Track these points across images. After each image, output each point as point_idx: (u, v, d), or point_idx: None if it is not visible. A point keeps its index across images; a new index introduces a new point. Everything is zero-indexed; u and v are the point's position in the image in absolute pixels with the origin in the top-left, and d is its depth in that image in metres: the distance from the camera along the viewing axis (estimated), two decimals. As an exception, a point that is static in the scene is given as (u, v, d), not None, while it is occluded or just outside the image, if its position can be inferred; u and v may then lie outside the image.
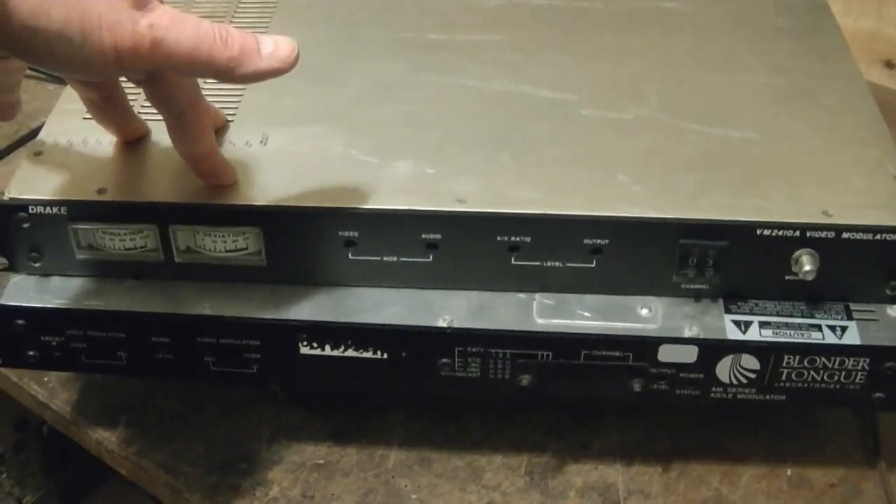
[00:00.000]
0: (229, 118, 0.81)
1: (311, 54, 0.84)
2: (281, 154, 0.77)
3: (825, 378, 0.75)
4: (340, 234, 0.74)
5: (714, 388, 0.75)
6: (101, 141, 0.79)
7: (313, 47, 0.88)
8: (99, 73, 0.63)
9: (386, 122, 0.81)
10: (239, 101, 0.82)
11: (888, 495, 0.80)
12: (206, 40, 0.62)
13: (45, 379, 0.89)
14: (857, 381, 0.75)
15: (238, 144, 0.78)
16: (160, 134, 0.78)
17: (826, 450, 0.84)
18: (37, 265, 0.78)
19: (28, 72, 1.12)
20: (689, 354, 0.74)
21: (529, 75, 0.85)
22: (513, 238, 0.74)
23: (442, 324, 0.74)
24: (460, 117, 0.81)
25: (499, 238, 0.74)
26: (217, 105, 0.81)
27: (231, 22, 0.92)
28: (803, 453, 0.83)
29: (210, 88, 0.81)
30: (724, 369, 0.74)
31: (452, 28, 0.91)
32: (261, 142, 0.78)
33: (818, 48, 0.90)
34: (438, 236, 0.74)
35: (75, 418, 0.86)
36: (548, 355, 0.74)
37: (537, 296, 0.76)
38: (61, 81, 1.08)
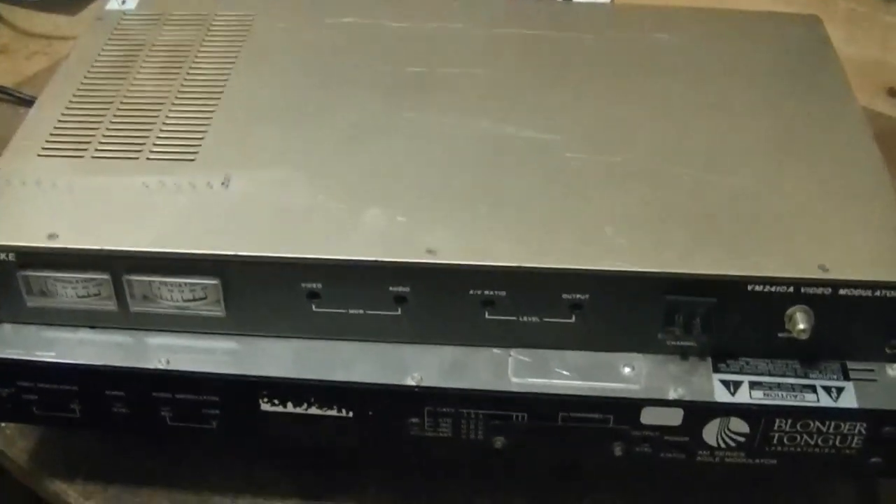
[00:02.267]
0: (190, 157, 0.76)
1: (280, 87, 0.81)
2: (243, 198, 0.73)
3: (819, 442, 0.70)
4: (303, 285, 0.70)
5: (700, 452, 0.71)
6: (56, 182, 0.74)
7: (283, 78, 0.85)
8: None
9: (357, 164, 0.76)
10: (202, 139, 0.78)
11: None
12: None
13: (3, 426, 0.84)
14: (853, 445, 0.71)
15: (198, 186, 0.74)
16: (116, 175, 0.74)
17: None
18: (-14, 311, 0.73)
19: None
20: (675, 417, 0.69)
21: (513, 114, 0.81)
22: (487, 292, 0.69)
23: (411, 382, 0.70)
24: (437, 160, 0.77)
25: (472, 292, 0.69)
26: (178, 141, 0.77)
27: (199, 52, 0.87)
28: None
29: (172, 124, 0.77)
30: (711, 432, 0.70)
31: (433, 61, 0.87)
32: (222, 184, 0.74)
33: (819, 89, 0.86)
34: (407, 289, 0.70)
35: (32, 468, 0.83)
36: (523, 416, 0.70)
37: (513, 352, 0.72)
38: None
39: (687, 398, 0.70)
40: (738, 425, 0.70)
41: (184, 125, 0.79)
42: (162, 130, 0.79)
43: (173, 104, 0.82)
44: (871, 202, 0.74)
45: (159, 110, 0.81)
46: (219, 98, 0.82)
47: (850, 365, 0.72)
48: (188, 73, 0.85)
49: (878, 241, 0.71)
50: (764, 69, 0.88)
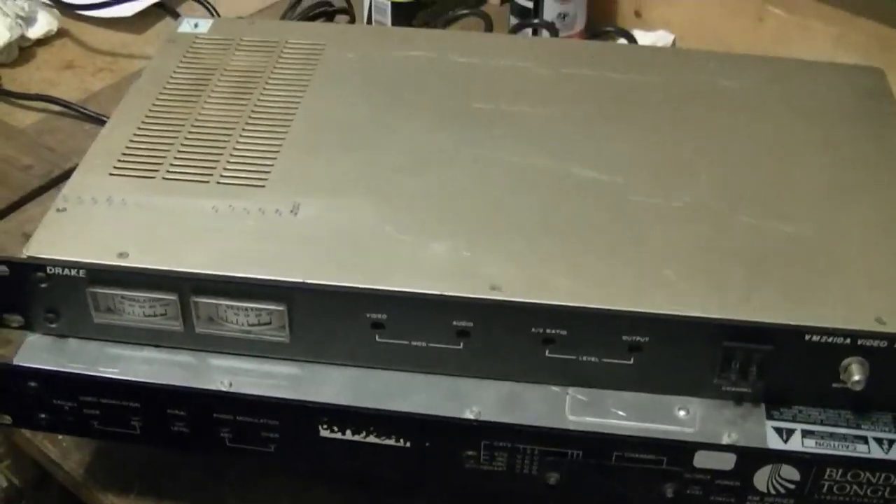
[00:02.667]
0: (260, 183, 0.77)
1: (349, 115, 0.82)
2: (311, 226, 0.75)
3: (868, 493, 0.71)
4: (368, 315, 0.71)
5: (750, 497, 0.72)
6: (126, 201, 0.76)
7: (352, 109, 0.86)
8: None
9: (423, 196, 0.78)
10: (272, 166, 0.79)
11: None
12: None
13: (59, 438, 0.86)
14: (901, 497, 0.71)
15: (267, 212, 0.75)
16: (186, 197, 0.76)
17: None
18: (53, 325, 0.75)
19: (64, 110, 1.12)
20: (727, 462, 0.70)
21: (576, 153, 0.82)
22: (548, 330, 0.70)
23: (469, 415, 0.71)
24: (501, 196, 0.78)
25: (533, 329, 0.70)
26: (248, 166, 0.79)
27: (270, 78, 0.88)
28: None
29: (242, 149, 0.79)
30: (762, 478, 0.70)
31: (499, 97, 0.88)
32: (291, 211, 0.75)
33: (880, 136, 0.86)
34: (470, 324, 0.71)
35: (86, 481, 0.84)
36: (578, 454, 0.70)
37: (570, 390, 0.73)
38: (98, 122, 1.06)
39: (740, 443, 0.70)
40: (790, 472, 0.70)
41: (254, 150, 0.81)
42: (232, 155, 0.80)
43: (244, 129, 0.83)
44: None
45: (230, 135, 0.83)
46: (289, 125, 0.84)
47: (903, 418, 0.72)
48: (259, 99, 0.86)
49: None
50: (825, 117, 0.88)
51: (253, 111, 0.85)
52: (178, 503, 0.82)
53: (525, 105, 0.88)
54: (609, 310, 0.69)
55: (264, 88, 0.88)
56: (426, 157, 0.82)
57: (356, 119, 0.85)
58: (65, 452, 0.86)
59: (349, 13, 1.24)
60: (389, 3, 1.24)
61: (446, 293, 0.70)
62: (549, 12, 1.22)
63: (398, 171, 0.80)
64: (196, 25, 0.95)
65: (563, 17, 1.23)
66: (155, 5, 1.30)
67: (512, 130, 0.85)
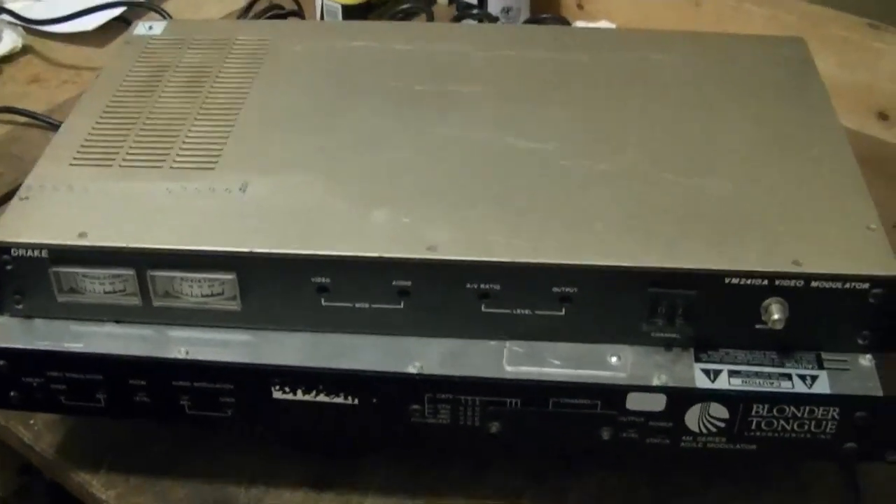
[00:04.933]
0: (210, 165, 0.81)
1: (295, 101, 0.86)
2: (259, 201, 0.79)
3: (795, 428, 0.74)
4: (313, 280, 0.75)
5: (684, 437, 0.75)
6: (85, 187, 0.80)
7: (299, 97, 0.90)
8: None
9: (368, 171, 0.82)
10: (222, 150, 0.83)
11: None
12: None
13: (31, 422, 0.89)
14: (827, 431, 0.75)
15: (218, 191, 0.79)
16: (142, 181, 0.80)
17: (808, 499, 0.83)
18: (20, 307, 0.79)
19: (30, 120, 1.16)
20: (658, 403, 0.74)
21: (513, 126, 0.86)
22: (482, 286, 0.74)
23: (412, 370, 0.75)
24: (441, 167, 0.82)
25: (468, 285, 0.74)
26: (200, 151, 0.83)
27: (220, 72, 0.93)
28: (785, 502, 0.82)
29: (194, 136, 0.83)
30: (693, 418, 0.74)
31: (439, 80, 0.93)
32: (240, 189, 0.79)
33: (801, 102, 0.91)
34: (409, 283, 0.75)
35: (59, 461, 0.87)
36: (517, 402, 0.74)
37: (508, 343, 0.76)
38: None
39: (669, 384, 0.74)
40: (719, 411, 0.74)
41: (205, 137, 0.85)
42: (185, 142, 0.84)
43: (196, 119, 0.87)
44: (846, 202, 0.79)
45: (183, 124, 0.87)
46: (238, 112, 0.88)
47: (824, 355, 0.76)
48: (210, 91, 0.91)
49: (850, 237, 0.76)
50: (749, 84, 0.93)
51: (204, 103, 0.89)
52: (147, 477, 0.86)
53: (464, 85, 0.92)
54: (538, 263, 0.73)
55: (214, 82, 0.92)
56: (371, 136, 0.86)
57: (303, 106, 0.89)
58: (37, 435, 0.89)
59: (300, 16, 1.28)
60: (340, 6, 1.28)
61: (384, 255, 0.74)
62: (494, 7, 1.26)
63: (343, 150, 0.84)
64: (150, 28, 1.00)
65: (507, 12, 1.27)
66: (115, 19, 1.35)
67: (452, 109, 0.89)
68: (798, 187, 0.81)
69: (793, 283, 0.73)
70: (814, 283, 0.73)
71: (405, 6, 1.24)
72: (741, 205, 0.79)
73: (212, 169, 0.82)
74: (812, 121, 0.88)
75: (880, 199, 1.02)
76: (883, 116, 1.11)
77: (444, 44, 0.98)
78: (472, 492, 0.84)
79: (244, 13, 1.26)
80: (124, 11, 1.36)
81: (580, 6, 1.35)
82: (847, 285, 0.73)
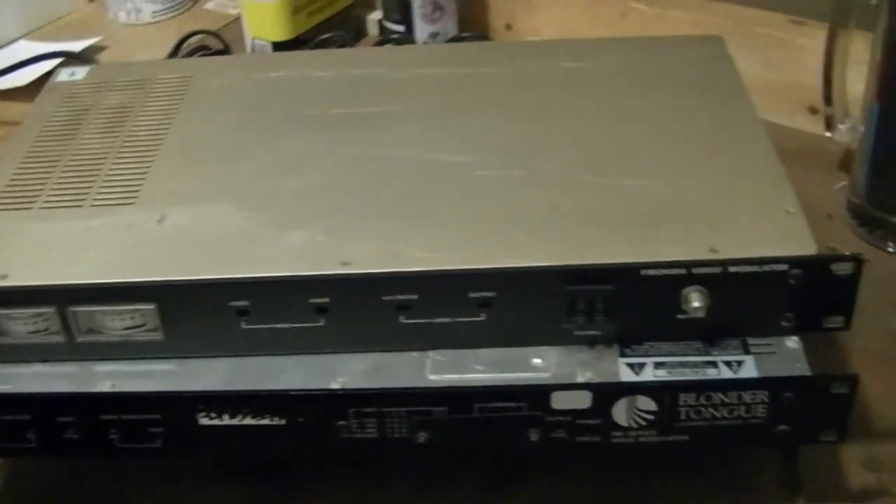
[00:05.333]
0: (130, 201, 0.82)
1: (215, 134, 0.87)
2: (177, 232, 0.79)
3: (726, 414, 0.74)
4: (231, 304, 0.75)
5: (614, 433, 0.75)
6: (5, 230, 0.80)
7: (218, 129, 0.91)
8: None
9: (284, 195, 0.82)
10: (141, 186, 0.84)
11: (809, 534, 0.78)
12: None
13: (-31, 473, 0.89)
14: (758, 415, 0.74)
15: (136, 225, 0.79)
16: (61, 221, 0.81)
17: (750, 491, 0.82)
18: (-53, 354, 0.78)
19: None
20: (583, 400, 0.73)
21: (429, 142, 0.87)
22: (399, 297, 0.74)
23: (335, 386, 0.74)
24: (358, 186, 0.83)
25: (385, 298, 0.74)
26: (119, 189, 0.83)
27: (141, 110, 0.93)
28: (727, 497, 0.82)
29: (113, 174, 0.85)
30: (620, 413, 0.74)
31: (356, 102, 0.93)
32: (158, 221, 0.79)
33: (719, 97, 0.91)
34: (326, 300, 0.74)
35: (-2, 504, 0.86)
36: (443, 411, 0.74)
37: (431, 353, 0.76)
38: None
39: (593, 381, 0.74)
40: (646, 403, 0.73)
41: (124, 175, 0.85)
42: (105, 181, 0.85)
43: (116, 157, 0.88)
44: (764, 189, 0.79)
45: (102, 163, 0.87)
46: (158, 149, 0.88)
47: (750, 341, 0.76)
48: (130, 130, 0.91)
49: (767, 222, 0.76)
50: (668, 84, 0.93)
51: (125, 141, 0.90)
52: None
53: (381, 106, 0.92)
54: (453, 270, 0.73)
55: (135, 120, 0.93)
56: (287, 161, 0.86)
57: (221, 138, 0.90)
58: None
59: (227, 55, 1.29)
60: (269, 44, 1.28)
61: (300, 273, 0.74)
62: (421, 33, 1.27)
63: (260, 177, 0.84)
64: (73, 74, 1.00)
65: (435, 37, 1.28)
66: (48, 73, 1.35)
67: (369, 129, 0.90)
68: (716, 179, 0.81)
69: (710, 270, 0.73)
70: (732, 269, 0.73)
71: (333, 39, 1.24)
72: (658, 200, 0.79)
73: (131, 204, 0.82)
74: (730, 114, 0.89)
75: (815, 190, 1.04)
76: (813, 111, 1.11)
77: (362, 68, 0.99)
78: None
79: (171, 56, 1.26)
80: (59, 64, 1.36)
81: (508, 27, 1.35)
82: (765, 268, 0.73)
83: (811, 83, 1.04)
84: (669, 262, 0.73)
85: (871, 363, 0.91)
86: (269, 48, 1.29)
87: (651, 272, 0.73)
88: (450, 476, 0.84)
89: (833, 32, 0.99)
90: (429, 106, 0.92)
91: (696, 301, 0.73)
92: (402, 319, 0.75)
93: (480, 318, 0.75)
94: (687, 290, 0.73)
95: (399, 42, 1.29)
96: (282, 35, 1.27)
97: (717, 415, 0.74)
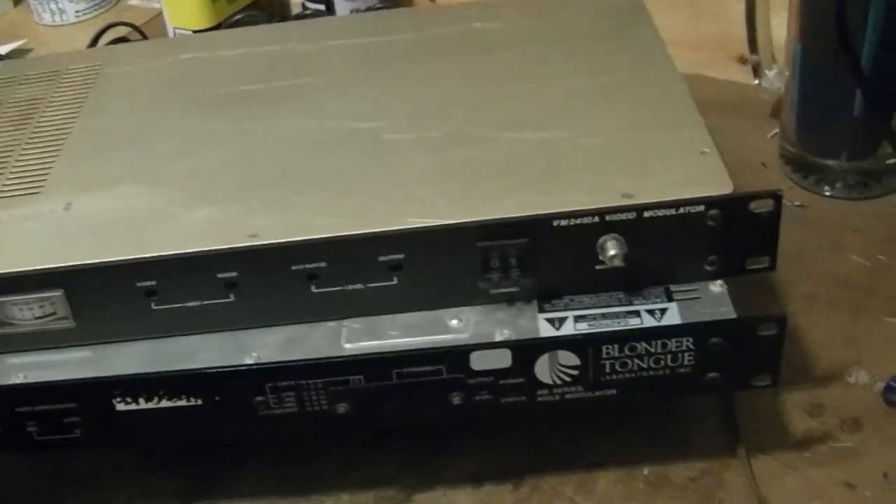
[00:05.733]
0: (36, 191, 0.80)
1: (124, 119, 0.85)
2: (84, 218, 0.77)
3: (652, 365, 0.72)
4: (139, 285, 0.73)
5: (539, 392, 0.73)
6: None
7: (127, 115, 0.89)
8: None
9: (195, 174, 0.80)
10: (47, 175, 0.82)
11: (750, 480, 0.77)
12: None
13: None
14: (686, 363, 0.72)
15: (42, 213, 0.78)
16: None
17: (687, 444, 0.81)
18: None
19: None
20: (503, 359, 0.71)
21: (339, 112, 0.85)
22: (308, 265, 0.72)
23: (249, 361, 0.73)
24: (266, 160, 0.81)
25: (294, 267, 0.72)
26: (26, 179, 0.81)
27: (50, 102, 0.91)
28: (663, 451, 0.80)
29: (21, 166, 0.83)
30: (543, 370, 0.72)
31: (267, 78, 0.91)
32: (64, 208, 0.78)
33: (633, 47, 0.90)
34: (235, 274, 0.73)
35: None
36: (360, 379, 0.72)
37: (346, 322, 0.74)
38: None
39: (512, 338, 0.72)
40: (568, 358, 0.72)
41: (31, 165, 0.84)
42: (11, 173, 0.83)
43: (23, 149, 0.86)
44: (679, 133, 0.78)
45: (10, 156, 0.85)
46: (65, 139, 0.87)
47: (673, 287, 0.74)
48: (39, 121, 0.89)
49: (682, 164, 0.74)
50: (580, 38, 0.92)
51: (32, 133, 0.88)
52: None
53: (291, 80, 0.91)
54: (358, 234, 0.72)
55: (43, 112, 0.91)
56: (199, 140, 0.84)
57: (129, 122, 0.88)
58: None
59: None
60: (191, 33, 1.27)
61: (205, 248, 0.72)
62: (342, 10, 1.25)
63: (171, 158, 0.83)
64: (-17, 71, 0.99)
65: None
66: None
67: (279, 103, 0.88)
68: (630, 127, 0.79)
69: (624, 216, 0.71)
70: (647, 214, 0.71)
71: (246, 19, 1.22)
72: (570, 150, 0.77)
73: (37, 194, 0.80)
74: (644, 64, 0.87)
75: (749, 140, 1.03)
76: (743, 60, 1.09)
77: (273, 44, 0.97)
78: (345, 485, 0.81)
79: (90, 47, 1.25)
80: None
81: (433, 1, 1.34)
82: (682, 210, 0.71)
83: (738, 33, 1.03)
84: (581, 210, 0.71)
85: (812, 307, 0.90)
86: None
87: (563, 222, 0.71)
88: (378, 449, 0.83)
89: (752, -24, 0.98)
90: (339, 76, 0.91)
91: (612, 249, 0.71)
92: (314, 289, 0.74)
93: (393, 283, 0.74)
94: (603, 238, 0.72)
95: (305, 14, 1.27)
96: (203, 23, 1.26)
97: (644, 366, 0.72)
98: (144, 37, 1.26)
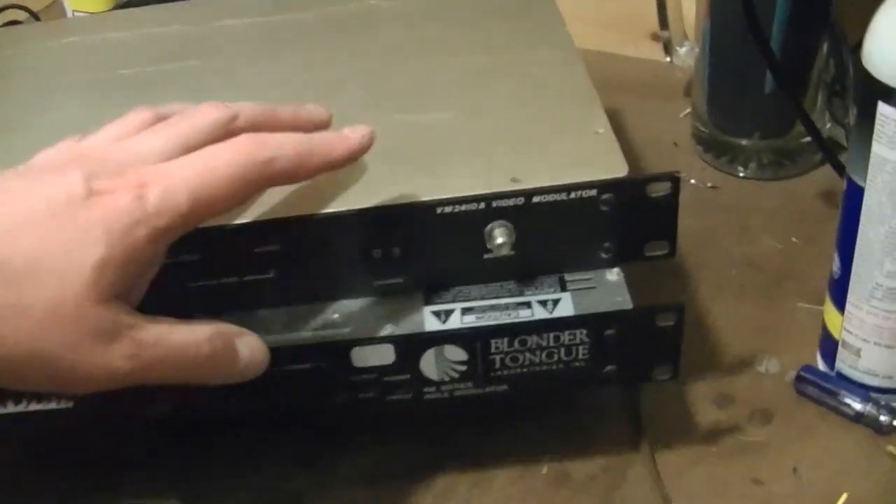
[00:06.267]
0: None
1: (2, 106, 0.82)
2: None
3: (545, 359, 0.69)
4: None
5: (426, 389, 0.70)
6: None
7: (5, 98, 0.86)
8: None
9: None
10: None
11: (654, 477, 0.73)
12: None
13: None
14: (580, 357, 0.69)
15: None
16: None
17: (589, 438, 0.77)
18: None
19: None
20: (387, 355, 0.68)
21: (224, 96, 0.80)
22: (179, 257, 0.68)
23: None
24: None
25: (167, 260, 0.67)
26: None
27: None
28: (564, 445, 0.76)
29: None
30: (429, 366, 0.69)
31: (149, 61, 0.87)
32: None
33: (531, 26, 0.86)
34: None
35: None
36: (238, 378, 0.68)
37: (223, 317, 0.69)
38: None
39: (395, 333, 0.68)
40: (455, 353, 0.68)
41: None
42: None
43: None
44: (573, 113, 0.75)
45: None
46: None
47: (567, 276, 0.71)
48: None
49: (575, 146, 0.71)
50: (477, 16, 0.89)
51: None
52: None
53: (177, 62, 0.87)
54: (234, 224, 0.67)
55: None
56: (64, 129, 0.79)
57: (6, 107, 0.85)
58: None
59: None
60: (88, 15, 1.22)
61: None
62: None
63: (34, 148, 0.78)
64: None
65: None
66: None
67: (163, 87, 0.84)
68: (521, 107, 0.76)
69: (512, 202, 0.67)
70: (536, 199, 0.67)
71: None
72: (457, 133, 0.74)
73: None
74: (541, 43, 0.84)
75: (662, 120, 1.00)
76: (656, 37, 1.06)
77: (161, 26, 0.93)
78: (235, 490, 0.77)
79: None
80: None
81: None
82: (573, 195, 0.67)
83: (652, 10, 0.99)
84: (466, 196, 0.67)
85: (722, 293, 0.87)
86: (96, 16, 1.22)
87: (447, 209, 0.67)
88: (266, 451, 0.78)
89: (662, -52, 0.94)
90: (225, 59, 0.87)
91: (500, 237, 0.67)
92: (189, 283, 0.69)
93: (269, 275, 0.70)
94: (490, 226, 0.68)
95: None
96: (102, 4, 1.20)
97: (536, 360, 0.69)
98: (37, 20, 1.21)
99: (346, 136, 0.64)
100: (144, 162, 0.58)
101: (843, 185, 0.71)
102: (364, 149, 0.64)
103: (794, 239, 0.91)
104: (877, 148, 0.66)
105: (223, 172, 0.57)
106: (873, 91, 0.65)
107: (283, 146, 0.60)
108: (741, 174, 0.98)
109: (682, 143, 1.03)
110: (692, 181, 0.97)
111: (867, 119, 0.66)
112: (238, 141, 0.59)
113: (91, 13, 1.18)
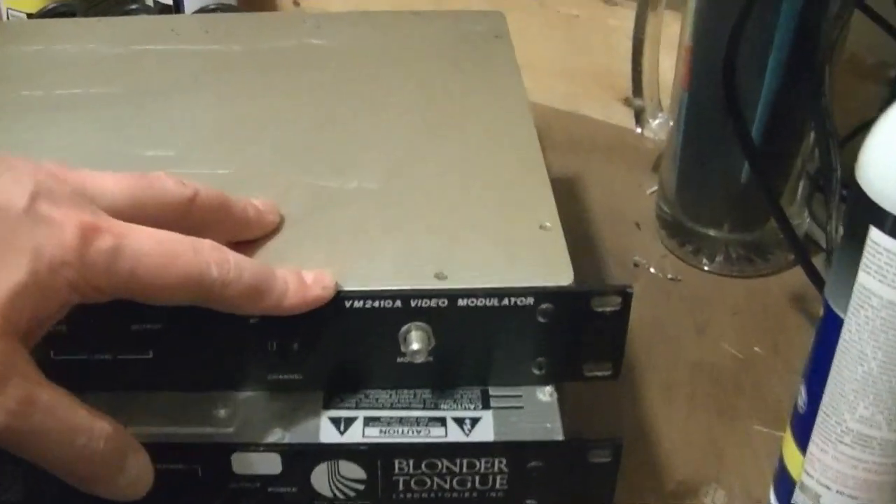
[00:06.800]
0: None
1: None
2: None
3: (455, 486, 0.60)
4: None
5: (316, 504, 0.60)
6: None
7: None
8: None
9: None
10: None
11: None
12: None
13: None
14: (498, 486, 0.60)
15: None
16: None
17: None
18: None
19: None
20: (272, 465, 0.59)
21: (126, 131, 0.72)
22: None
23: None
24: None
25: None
26: None
27: None
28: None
29: None
30: (321, 481, 0.59)
31: (57, 83, 0.78)
32: None
33: (487, 80, 0.79)
34: None
35: None
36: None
37: (90, 397, 0.59)
38: None
39: (285, 440, 0.59)
40: (351, 470, 0.59)
41: None
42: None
43: None
44: (517, 196, 0.66)
45: None
46: None
47: (492, 391, 0.62)
48: None
49: (515, 240, 0.62)
50: (424, 60, 0.81)
51: None
52: None
53: (83, 87, 0.78)
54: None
55: None
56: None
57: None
58: None
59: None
60: (24, 14, 1.14)
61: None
62: (191, 9, 1.11)
63: None
64: None
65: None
66: None
67: (66, 112, 0.75)
68: (460, 183, 0.67)
69: (435, 302, 0.58)
70: (462, 302, 0.58)
71: (58, 9, 1.09)
72: (381, 207, 0.65)
73: None
74: (493, 100, 0.76)
75: (625, 195, 0.91)
76: (628, 102, 0.96)
77: (78, 42, 0.84)
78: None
79: None
80: None
81: (296, 3, 1.22)
82: (506, 302, 0.58)
83: (623, 70, 0.91)
84: (381, 291, 0.58)
85: (671, 402, 0.78)
86: (25, 19, 1.14)
87: (359, 304, 0.58)
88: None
89: (641, 12, 0.85)
90: (139, 87, 0.77)
91: (416, 343, 0.59)
92: (53, 356, 0.60)
93: (147, 356, 0.60)
94: (406, 327, 0.59)
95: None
96: (36, 3, 1.12)
97: (446, 486, 0.60)
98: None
99: (307, 287, 0.57)
100: (93, 198, 0.52)
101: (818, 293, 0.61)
102: (322, 303, 0.57)
103: (756, 348, 0.82)
104: (863, 278, 0.56)
105: (177, 268, 0.52)
106: (865, 212, 0.55)
107: (242, 273, 0.55)
108: (706, 267, 0.89)
109: (644, 223, 0.94)
110: (651, 269, 0.88)
111: (855, 242, 0.56)
112: (204, 247, 0.53)
113: (27, 13, 1.11)
